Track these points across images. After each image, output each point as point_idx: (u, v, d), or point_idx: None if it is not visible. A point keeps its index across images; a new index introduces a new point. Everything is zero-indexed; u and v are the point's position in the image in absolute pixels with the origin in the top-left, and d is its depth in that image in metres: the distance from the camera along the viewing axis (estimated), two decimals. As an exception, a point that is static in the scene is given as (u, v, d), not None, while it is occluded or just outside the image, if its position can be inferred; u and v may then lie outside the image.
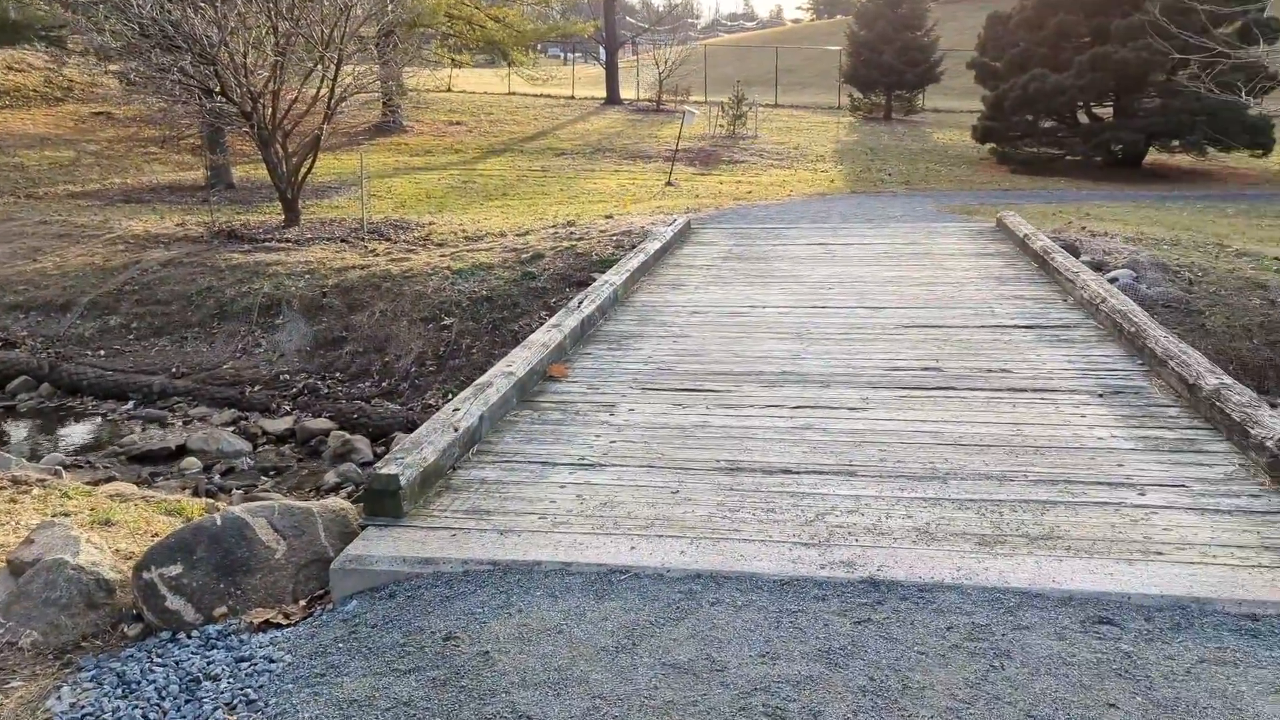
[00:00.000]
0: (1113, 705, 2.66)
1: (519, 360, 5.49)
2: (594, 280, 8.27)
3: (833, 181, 19.31)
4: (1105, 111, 21.14)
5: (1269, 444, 3.90)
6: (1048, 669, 2.82)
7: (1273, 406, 8.43)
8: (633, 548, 3.56)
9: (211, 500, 5.86)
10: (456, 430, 4.37)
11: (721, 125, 25.94)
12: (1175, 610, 3.05)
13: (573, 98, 33.44)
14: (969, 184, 19.07)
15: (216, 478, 7.54)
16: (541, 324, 6.87)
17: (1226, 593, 3.09)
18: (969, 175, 20.22)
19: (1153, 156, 21.00)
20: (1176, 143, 19.91)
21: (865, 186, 18.57)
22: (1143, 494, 3.84)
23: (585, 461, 4.40)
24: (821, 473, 4.19)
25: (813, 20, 71.07)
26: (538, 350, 5.72)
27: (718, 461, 4.35)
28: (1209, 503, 3.73)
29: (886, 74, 29.05)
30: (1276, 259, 10.62)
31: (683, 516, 3.80)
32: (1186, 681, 2.75)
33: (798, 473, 4.20)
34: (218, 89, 12.59)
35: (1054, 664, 2.84)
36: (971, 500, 3.85)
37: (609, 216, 13.38)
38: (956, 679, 2.79)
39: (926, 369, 5.67)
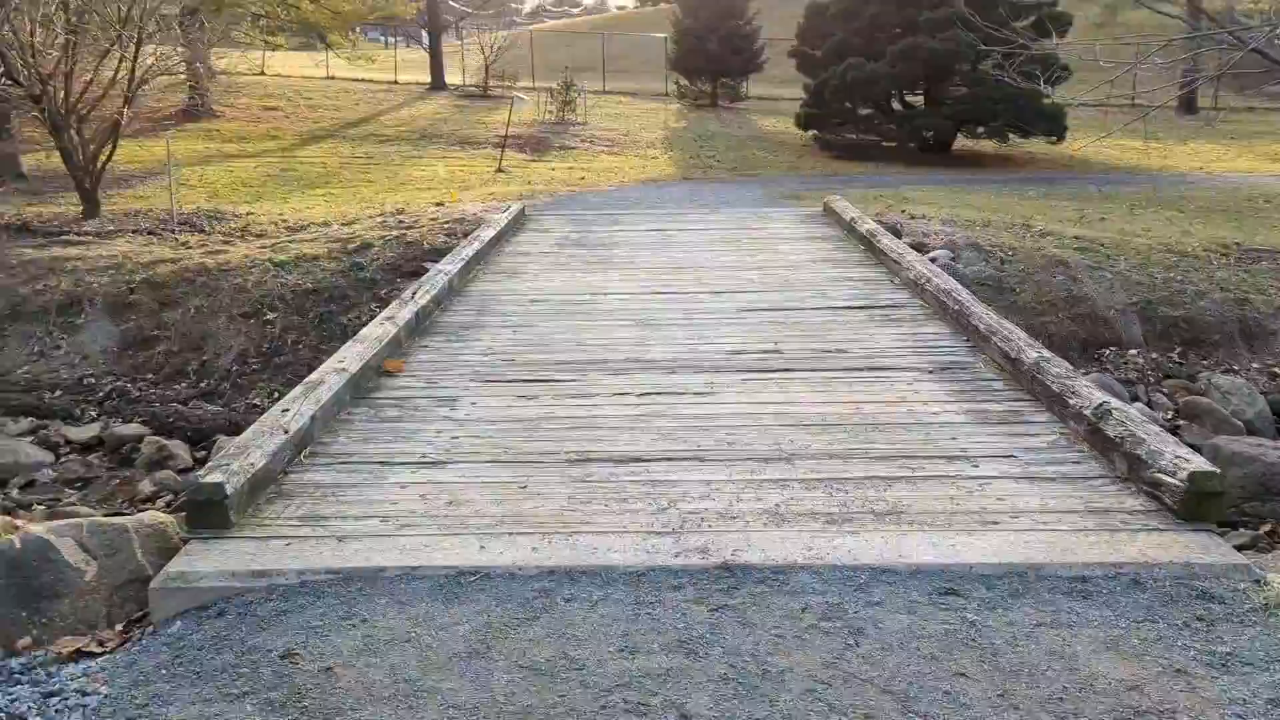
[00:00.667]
0: (962, 674, 2.73)
1: (351, 356, 5.22)
2: (427, 270, 8.01)
3: (664, 168, 19.48)
4: (919, 100, 22.17)
5: (1086, 413, 4.13)
6: (900, 643, 2.87)
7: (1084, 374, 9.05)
8: (482, 547, 3.42)
9: (9, 519, 5.33)
10: (287, 432, 4.10)
11: (551, 112, 25.76)
12: (1013, 577, 3.16)
13: (396, 83, 32.47)
14: (795, 169, 19.63)
15: (14, 493, 6.88)
16: (373, 316, 6.58)
17: (1058, 557, 3.23)
18: (794, 161, 20.82)
19: (961, 142, 22.18)
20: (982, 129, 21.09)
21: (696, 172, 18.83)
22: (977, 466, 3.99)
23: (428, 460, 4.21)
24: (672, 459, 4.16)
25: (638, 8, 71.60)
26: (371, 345, 5.46)
27: (566, 453, 4.26)
28: (1036, 471, 3.91)
29: (712, 62, 29.56)
30: (1075, 238, 11.38)
31: (533, 512, 3.69)
32: (1027, 645, 2.85)
33: (648, 460, 4.15)
34: (1, 71, 11.50)
35: (906, 638, 2.89)
36: (818, 480, 3.90)
37: (439, 204, 13.03)
38: (814, 660, 2.80)
39: (768, 352, 5.75)
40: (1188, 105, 27.20)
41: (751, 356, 5.66)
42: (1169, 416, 8.71)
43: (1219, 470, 3.48)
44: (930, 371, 5.27)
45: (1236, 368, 9.08)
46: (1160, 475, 3.51)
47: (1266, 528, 6.98)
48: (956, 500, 3.68)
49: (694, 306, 6.96)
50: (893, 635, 2.90)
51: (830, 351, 5.72)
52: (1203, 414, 8.59)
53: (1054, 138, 21.18)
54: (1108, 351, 9.33)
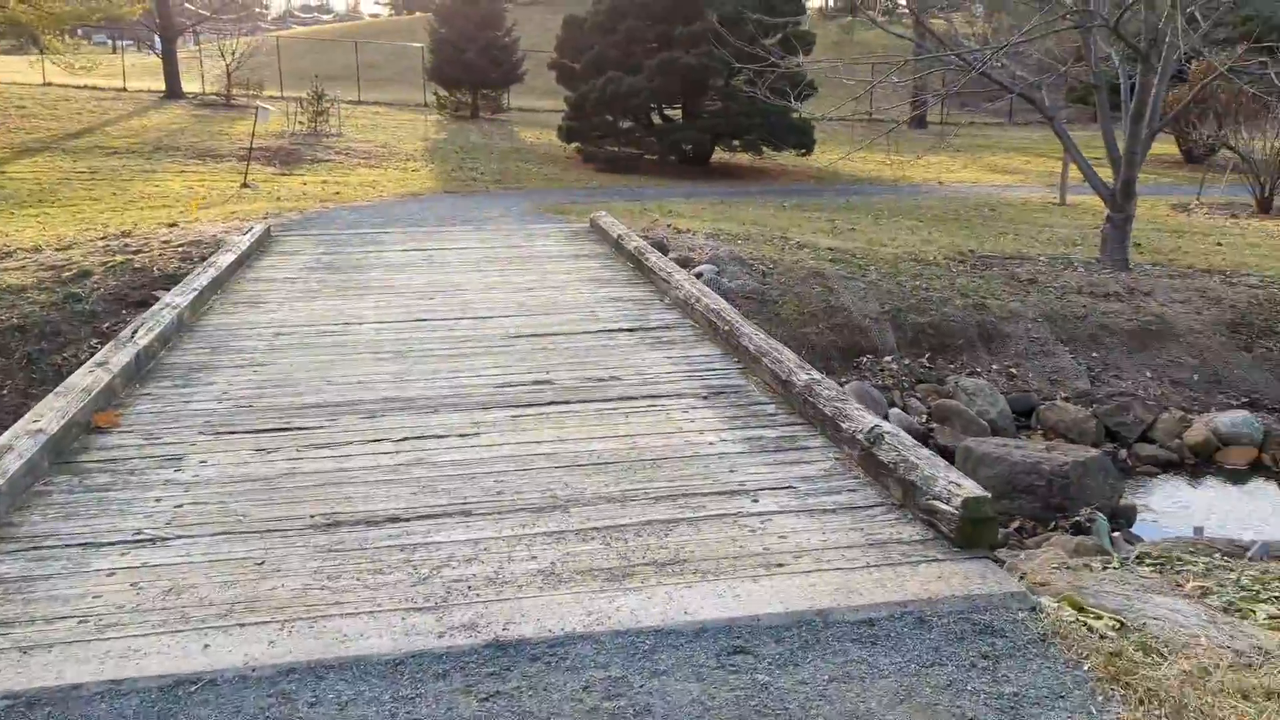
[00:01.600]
0: (758, 747, 2.51)
1: (51, 412, 4.45)
2: (159, 299, 7.14)
3: (425, 181, 18.81)
4: (677, 113, 22.61)
5: (859, 437, 4.08)
6: (690, 717, 2.62)
7: (842, 384, 9.31)
8: (207, 646, 2.89)
9: None
10: (-43, 518, 3.38)
11: (302, 123, 24.38)
12: (802, 627, 3.00)
13: (125, 90, 29.81)
14: (559, 182, 19.48)
15: None
16: (94, 353, 5.74)
17: (844, 600, 3.10)
18: (559, 174, 20.68)
19: (719, 155, 22.83)
20: (738, 143, 21.78)
21: (458, 186, 18.29)
22: (756, 500, 3.84)
23: (143, 536, 3.60)
24: (434, 516, 3.75)
25: (392, 15, 69.66)
26: (78, 397, 4.69)
27: (312, 517, 3.76)
28: (815, 503, 3.81)
29: (471, 72, 29.02)
30: (829, 249, 11.80)
31: (271, 594, 3.19)
32: (821, 706, 2.68)
33: (407, 520, 3.73)
34: None
35: (696, 710, 2.64)
36: (596, 529, 3.62)
37: (173, 224, 11.86)
38: (599, 750, 2.50)
39: (538, 382, 5.43)
40: (919, 120, 29.34)
41: (521, 389, 5.32)
42: (923, 420, 9.13)
43: (989, 494, 3.48)
44: (704, 397, 5.13)
45: (979, 370, 9.65)
46: (935, 502, 3.47)
47: (1015, 524, 7.40)
48: (739, 542, 3.49)
49: (458, 334, 6.54)
50: (682, 710, 2.64)
51: (603, 380, 5.48)
52: (952, 416, 9.06)
53: (803, 150, 22.18)
54: (865, 359, 9.68)
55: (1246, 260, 12.91)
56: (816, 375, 4.81)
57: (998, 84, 11.51)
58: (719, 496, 3.89)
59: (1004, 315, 10.24)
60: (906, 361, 9.69)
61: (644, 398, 5.15)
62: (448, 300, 7.57)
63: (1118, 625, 3.11)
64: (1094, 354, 9.97)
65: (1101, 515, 7.22)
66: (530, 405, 5.04)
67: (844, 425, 4.24)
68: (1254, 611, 3.68)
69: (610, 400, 5.11)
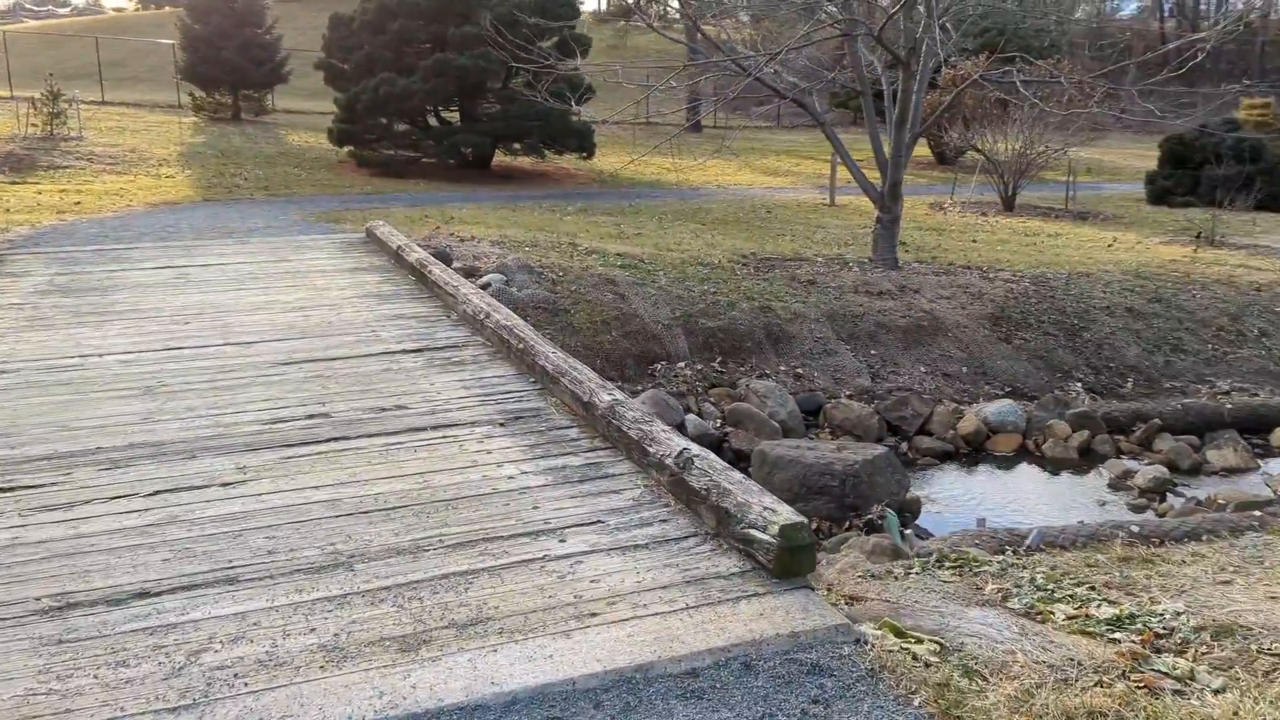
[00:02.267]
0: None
1: None
2: None
3: (182, 189, 17.34)
4: (455, 116, 22.00)
5: (668, 462, 3.87)
6: (506, 812, 2.30)
7: (634, 394, 9.18)
8: (-109, 791, 2.31)
9: None
10: None
11: (36, 125, 21.98)
12: (622, 687, 2.73)
13: None
14: (332, 188, 18.48)
15: None
16: None
17: (665, 650, 2.86)
18: (331, 179, 19.63)
19: (499, 159, 22.40)
20: (518, 146, 21.44)
21: (220, 194, 16.98)
22: (564, 540, 3.55)
23: None
24: (192, 587, 3.23)
25: (138, 10, 64.49)
26: None
27: (38, 600, 3.15)
28: (626, 538, 3.56)
29: (230, 72, 27.17)
30: (618, 255, 11.70)
31: (-19, 710, 2.61)
32: (651, 777, 2.43)
33: (159, 594, 3.19)
34: None
35: (512, 803, 2.33)
36: (386, 589, 3.22)
37: None
38: None
39: (314, 416, 4.91)
40: (695, 124, 29.99)
41: (294, 425, 4.80)
42: (718, 424, 9.15)
43: (805, 520, 3.34)
44: (501, 424, 4.79)
45: (769, 372, 9.79)
46: (751, 531, 3.31)
47: (813, 525, 7.50)
48: (548, 591, 3.19)
49: (219, 364, 5.88)
50: (496, 805, 2.32)
51: (389, 409, 5.03)
52: (746, 419, 9.13)
53: (585, 154, 22.12)
54: (659, 366, 9.61)
55: (999, 256, 13.85)
56: (620, 395, 4.58)
57: (772, 90, 11.77)
58: (523, 539, 3.57)
59: (789, 317, 10.45)
60: (699, 366, 9.70)
61: (434, 428, 4.75)
62: (207, 324, 6.84)
63: (938, 648, 3.03)
64: (873, 351, 10.35)
65: (891, 512, 7.42)
66: (305, 444, 4.54)
67: (651, 449, 4.02)
68: (1053, 614, 3.74)
69: (397, 433, 4.68)
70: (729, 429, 9.07)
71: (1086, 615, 3.67)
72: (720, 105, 19.12)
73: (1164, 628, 3.45)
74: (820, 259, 12.95)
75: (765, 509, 3.33)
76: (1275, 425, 9.62)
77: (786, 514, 3.30)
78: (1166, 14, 56.38)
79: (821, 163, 27.46)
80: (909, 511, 7.90)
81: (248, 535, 3.61)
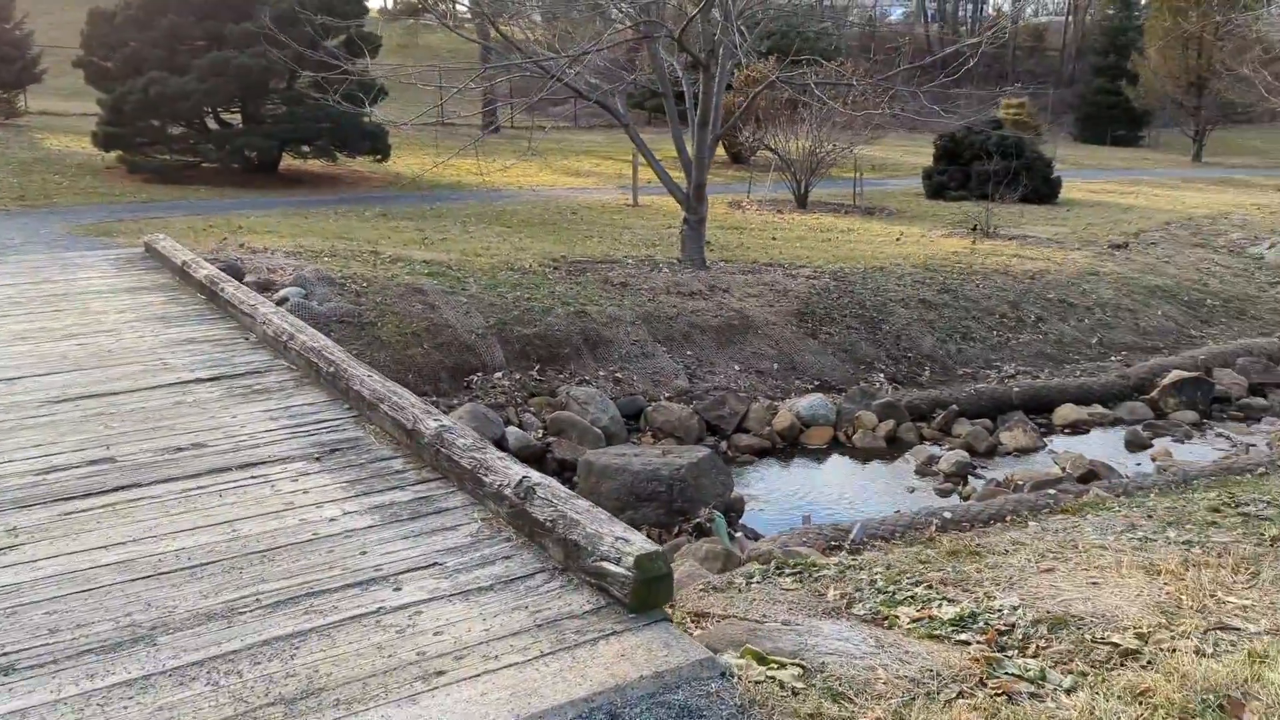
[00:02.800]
0: None
1: None
2: None
3: (-82, 201, 15.43)
4: (237, 118, 20.70)
5: (507, 492, 3.64)
6: None
7: (450, 409, 8.84)
8: None
9: None
10: None
11: None
12: (482, 754, 2.50)
13: None
14: (100, 197, 16.94)
15: None
16: None
17: (523, 707, 2.64)
18: (99, 187, 18.01)
19: (288, 162, 21.26)
20: (307, 148, 20.40)
21: (-34, 206, 15.23)
22: (399, 589, 3.26)
23: None
24: (-44, 685, 2.74)
25: None
26: None
27: None
28: (468, 580, 3.31)
29: (-28, 69, 24.52)
30: (425, 262, 11.26)
31: None
32: None
33: (-88, 698, 2.68)
34: None
35: None
36: (197, 664, 2.84)
37: None
38: None
39: (96, 462, 4.36)
40: (493, 125, 29.54)
41: (73, 474, 4.23)
42: (540, 435, 8.94)
43: (661, 548, 3.20)
44: (316, 459, 4.41)
45: (588, 378, 9.66)
46: (604, 564, 3.14)
47: (643, 534, 7.42)
48: (387, 650, 2.90)
49: (-23, 405, 5.16)
50: None
51: (185, 449, 4.53)
52: (568, 427, 8.97)
53: (379, 156, 21.35)
54: (475, 377, 9.30)
55: (800, 253, 14.31)
56: (446, 421, 4.29)
57: (575, 91, 11.65)
58: (353, 590, 3.25)
59: (605, 321, 10.36)
60: (517, 376, 9.45)
61: (241, 468, 4.31)
62: (-41, 359, 6.02)
63: (801, 672, 2.97)
64: (689, 352, 10.41)
65: (719, 514, 7.45)
66: (88, 495, 4.01)
67: (487, 479, 3.78)
68: (898, 617, 3.77)
69: (197, 476, 4.21)
70: (551, 439, 8.87)
71: (930, 616, 3.72)
72: (521, 107, 18.83)
73: (1004, 624, 3.54)
74: (631, 261, 12.96)
75: (617, 539, 3.17)
76: (1056, 404, 10.36)
77: (640, 543, 3.15)
78: (930, 19, 60.40)
79: (622, 163, 27.68)
80: (734, 511, 7.97)
81: (22, 613, 3.11)
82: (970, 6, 61.38)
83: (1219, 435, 9.94)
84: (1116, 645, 3.23)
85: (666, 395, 9.75)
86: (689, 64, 12.42)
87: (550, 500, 3.47)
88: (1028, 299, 12.57)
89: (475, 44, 16.65)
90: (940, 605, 3.82)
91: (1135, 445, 9.66)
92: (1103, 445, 9.72)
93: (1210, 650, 3.14)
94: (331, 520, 3.77)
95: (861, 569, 4.56)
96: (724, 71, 11.94)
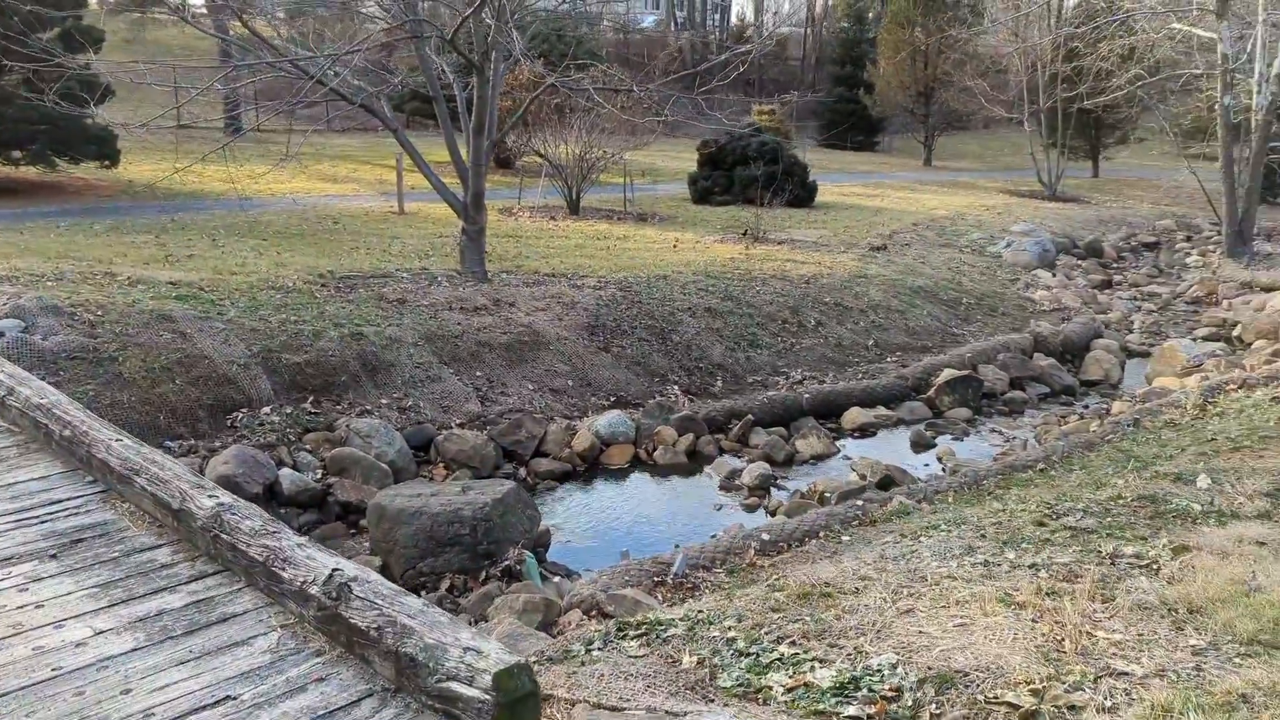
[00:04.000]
0: None
1: None
2: None
3: None
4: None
5: (314, 590, 2.96)
6: None
7: (212, 452, 7.79)
8: None
9: None
10: None
11: None
12: None
13: None
14: None
15: None
16: None
17: None
18: None
19: (-4, 169, 18.64)
20: (20, 155, 17.95)
21: None
22: (184, 738, 2.53)
23: None
24: None
25: None
26: None
27: None
28: (275, 718, 2.62)
29: None
30: (171, 284, 10.00)
31: None
32: None
33: None
34: None
35: None
36: None
37: None
38: None
39: None
40: (236, 128, 27.36)
41: None
42: (319, 475, 8.05)
43: (523, 659, 2.64)
44: (53, 555, 3.50)
45: (370, 408, 8.83)
46: (452, 684, 2.55)
47: (447, 583, 6.76)
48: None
49: None
50: None
51: None
52: (350, 465, 8.13)
53: (108, 162, 19.18)
54: (240, 414, 8.28)
55: (580, 262, 13.94)
56: (227, 498, 3.51)
57: (338, 94, 10.72)
58: (121, 748, 2.49)
59: (384, 343, 9.55)
60: (289, 410, 8.49)
61: (-54, 576, 3.35)
62: None
63: (699, 789, 2.51)
64: (478, 373, 9.78)
65: (529, 554, 6.91)
66: None
67: (286, 573, 3.07)
68: (771, 689, 3.41)
69: (-117, 594, 3.22)
70: (332, 479, 8.00)
71: (807, 684, 3.38)
72: (271, 109, 17.31)
73: (890, 689, 3.24)
74: (405, 274, 12.12)
75: (466, 651, 2.58)
76: (844, 408, 10.54)
77: (496, 654, 2.57)
78: (679, 26, 62.08)
79: (382, 168, 26.37)
80: (541, 545, 7.45)
81: None
82: (717, 16, 63.66)
83: (993, 431, 10.44)
84: (1015, 706, 3.00)
85: (458, 422, 9.07)
86: (460, 66, 11.76)
87: (372, 600, 2.83)
88: (806, 303, 12.81)
89: (211, 41, 15.19)
90: (813, 668, 3.49)
91: (920, 445, 9.97)
92: (891, 446, 9.96)
93: (1109, 703, 2.96)
94: (79, 645, 2.94)
95: (711, 622, 4.18)
96: (498, 74, 11.37)
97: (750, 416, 9.86)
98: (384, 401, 8.98)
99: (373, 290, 11.03)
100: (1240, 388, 10.48)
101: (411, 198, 19.70)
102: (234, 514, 3.37)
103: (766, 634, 3.89)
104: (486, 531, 6.83)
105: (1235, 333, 15.26)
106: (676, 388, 10.54)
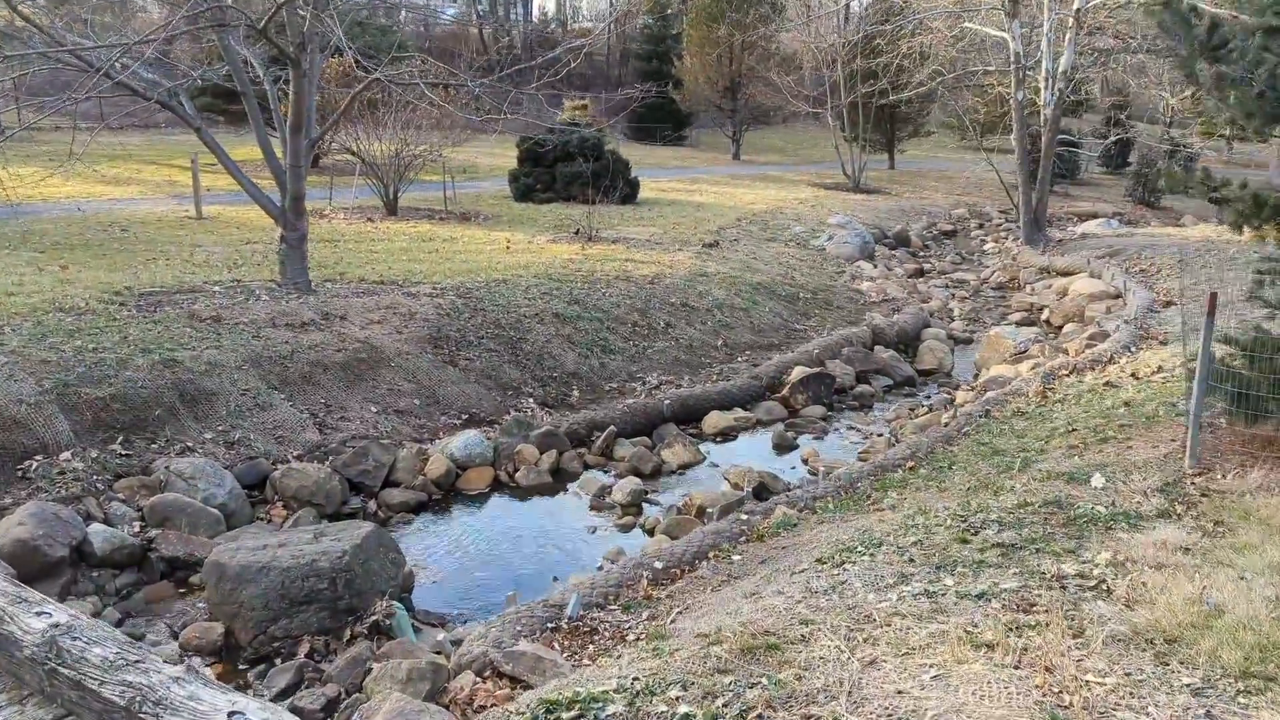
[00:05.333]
0: None
1: None
2: None
3: None
4: None
5: (27, 652, 2.25)
6: None
7: (2, 511, 6.59)
8: None
9: None
10: None
11: None
12: None
13: None
14: None
15: None
16: None
17: None
18: None
19: None
20: None
21: None
22: None
23: None
24: None
25: None
26: None
27: None
28: None
29: None
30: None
31: None
32: None
33: None
34: None
35: None
36: None
37: None
38: None
39: None
40: (-3, 124, 24.44)
41: None
42: (137, 529, 6.98)
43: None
44: None
45: (192, 445, 7.79)
46: None
47: (305, 649, 5.93)
48: None
49: None
50: None
51: None
52: (174, 513, 7.11)
53: None
54: (33, 463, 7.09)
55: (409, 268, 13.06)
56: (62, 614, 2.68)
57: (131, 90, 9.46)
58: None
59: (202, 369, 8.47)
60: (94, 454, 7.36)
61: None
62: None
63: None
64: (314, 397, 8.85)
65: (399, 606, 6.18)
66: None
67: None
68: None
69: None
70: (154, 531, 6.94)
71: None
72: (43, 105, 15.31)
73: (899, 773, 2.84)
74: (217, 288, 10.92)
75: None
76: (704, 412, 10.26)
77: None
78: (481, 18, 60.83)
79: (170, 168, 24.27)
80: (405, 590, 6.72)
81: None
82: (520, 9, 62.83)
83: (850, 428, 10.41)
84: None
85: (295, 454, 8.14)
86: (269, 58, 10.68)
87: (85, 659, 2.16)
88: (653, 305, 12.47)
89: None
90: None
91: (783, 447, 9.80)
92: (754, 450, 9.74)
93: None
94: None
95: (653, 693, 3.68)
96: (315, 68, 10.38)
97: (613, 427, 9.40)
98: (208, 436, 7.94)
99: (181, 308, 9.84)
100: (1072, 373, 10.91)
101: (210, 200, 18.10)
102: (76, 638, 2.59)
103: (725, 707, 3.42)
104: (348, 584, 6.05)
105: (1044, 316, 16.11)
106: (532, 400, 9.94)
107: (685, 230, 18.43)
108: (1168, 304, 14.39)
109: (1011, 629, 3.69)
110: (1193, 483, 5.72)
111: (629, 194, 23.17)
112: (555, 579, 7.04)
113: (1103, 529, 4.94)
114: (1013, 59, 20.35)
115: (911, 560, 4.67)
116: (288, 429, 8.35)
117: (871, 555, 4.89)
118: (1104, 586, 4.04)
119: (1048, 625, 3.63)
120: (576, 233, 16.93)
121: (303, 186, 10.78)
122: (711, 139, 46.67)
